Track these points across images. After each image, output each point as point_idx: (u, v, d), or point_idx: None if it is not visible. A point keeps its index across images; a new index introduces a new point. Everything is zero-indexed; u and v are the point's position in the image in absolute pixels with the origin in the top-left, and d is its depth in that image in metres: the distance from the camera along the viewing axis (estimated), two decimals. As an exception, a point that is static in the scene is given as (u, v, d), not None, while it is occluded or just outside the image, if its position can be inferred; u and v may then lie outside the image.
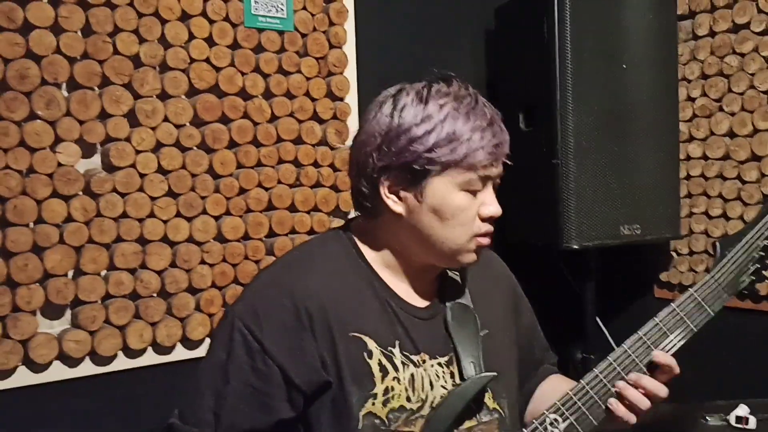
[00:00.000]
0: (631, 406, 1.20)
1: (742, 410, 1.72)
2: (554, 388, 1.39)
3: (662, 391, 1.21)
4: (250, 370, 1.14)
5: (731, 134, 2.38)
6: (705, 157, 2.46)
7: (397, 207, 1.18)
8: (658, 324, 1.23)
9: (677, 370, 1.22)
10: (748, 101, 2.32)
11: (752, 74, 2.31)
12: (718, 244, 1.29)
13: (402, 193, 1.18)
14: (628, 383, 1.20)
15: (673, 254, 2.56)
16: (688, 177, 2.51)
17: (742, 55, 2.33)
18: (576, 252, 2.21)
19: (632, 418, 1.21)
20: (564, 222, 2.15)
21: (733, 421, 1.73)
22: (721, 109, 2.40)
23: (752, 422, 1.71)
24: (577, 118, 2.16)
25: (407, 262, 1.25)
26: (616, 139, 2.23)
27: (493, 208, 1.19)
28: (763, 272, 1.28)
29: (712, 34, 2.42)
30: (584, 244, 2.17)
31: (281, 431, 1.16)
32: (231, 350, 1.15)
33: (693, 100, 2.48)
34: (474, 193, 1.17)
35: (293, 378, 1.14)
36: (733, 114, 2.37)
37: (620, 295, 2.69)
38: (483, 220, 1.19)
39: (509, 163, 1.21)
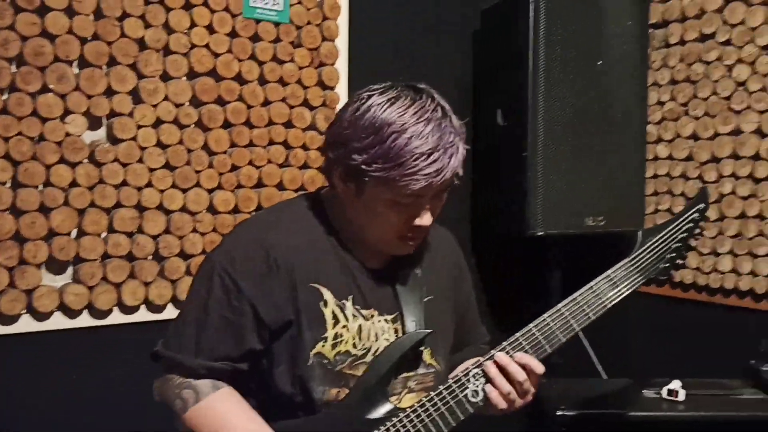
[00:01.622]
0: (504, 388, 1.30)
1: (674, 385, 1.89)
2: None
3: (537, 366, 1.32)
4: (227, 306, 1.32)
5: (695, 137, 2.55)
6: (671, 158, 2.63)
7: (343, 193, 1.35)
8: (576, 299, 1.38)
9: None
10: (711, 106, 2.48)
11: (716, 81, 2.47)
12: (640, 232, 1.44)
13: (348, 183, 1.32)
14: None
15: (639, 248, 2.73)
16: (656, 176, 2.67)
17: (707, 63, 2.49)
18: (543, 241, 2.38)
19: (502, 404, 1.29)
20: (529, 210, 2.31)
21: (665, 394, 1.89)
22: (686, 113, 2.56)
23: (681, 395, 1.87)
24: (547, 114, 2.32)
25: None
26: (585, 137, 2.39)
27: (422, 221, 1.30)
28: (678, 261, 1.44)
29: (683, 42, 2.58)
30: (549, 231, 2.34)
31: (250, 361, 1.35)
32: (211, 288, 1.33)
33: (662, 104, 2.64)
34: (406, 205, 1.29)
35: (262, 314, 1.31)
36: (697, 118, 2.53)
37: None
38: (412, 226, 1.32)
39: (457, 180, 1.29)
